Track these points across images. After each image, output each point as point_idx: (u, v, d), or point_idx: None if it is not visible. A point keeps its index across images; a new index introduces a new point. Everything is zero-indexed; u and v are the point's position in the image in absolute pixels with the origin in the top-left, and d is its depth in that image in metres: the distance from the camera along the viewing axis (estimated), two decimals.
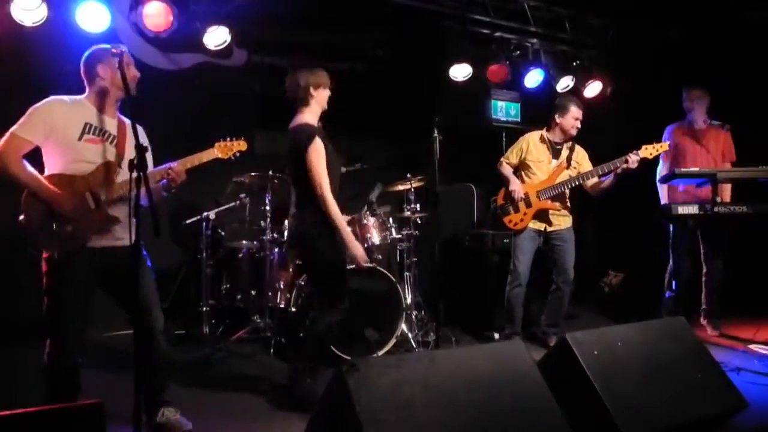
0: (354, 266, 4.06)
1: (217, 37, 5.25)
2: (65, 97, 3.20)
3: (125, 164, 3.15)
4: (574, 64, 6.85)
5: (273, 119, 6.50)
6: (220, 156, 3.49)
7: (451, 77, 6.48)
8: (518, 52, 6.74)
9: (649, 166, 5.41)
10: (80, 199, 3.08)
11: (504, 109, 7.25)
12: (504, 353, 2.90)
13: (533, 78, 6.70)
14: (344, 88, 6.64)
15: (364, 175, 5.63)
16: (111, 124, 3.25)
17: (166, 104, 5.58)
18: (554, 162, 5.09)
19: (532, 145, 5.13)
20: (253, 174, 5.20)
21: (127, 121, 3.32)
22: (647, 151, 4.79)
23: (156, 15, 4.84)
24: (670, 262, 5.56)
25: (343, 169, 5.59)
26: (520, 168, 5.18)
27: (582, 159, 5.13)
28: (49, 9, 4.47)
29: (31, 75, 4.83)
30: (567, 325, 5.06)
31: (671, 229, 5.37)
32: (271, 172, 5.14)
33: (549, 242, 5.13)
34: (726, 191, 5.47)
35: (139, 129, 3.22)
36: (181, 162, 3.31)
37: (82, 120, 3.15)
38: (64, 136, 3.09)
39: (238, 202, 5.47)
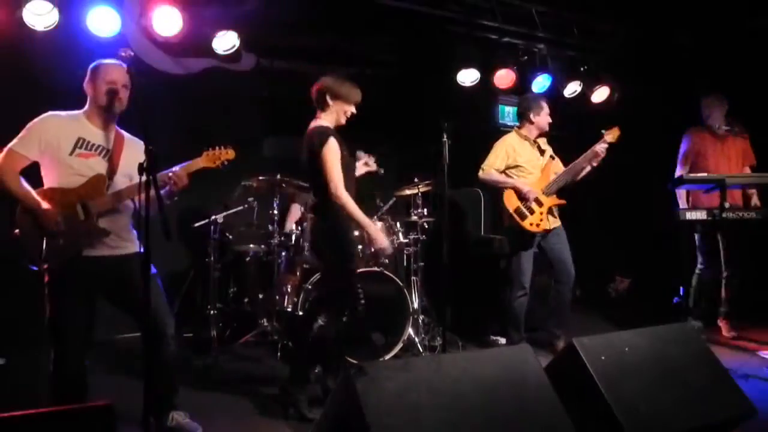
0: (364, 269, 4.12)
1: (226, 41, 5.29)
2: (62, 113, 3.28)
3: (118, 178, 3.30)
4: (582, 69, 6.84)
5: (281, 123, 6.56)
6: (207, 165, 3.48)
7: (459, 82, 6.49)
8: (525, 57, 6.73)
9: (660, 170, 5.39)
10: (70, 211, 3.16)
11: (511, 114, 7.25)
12: (511, 358, 2.90)
13: (540, 83, 6.70)
14: None
15: (371, 180, 5.64)
16: (105, 138, 3.31)
17: (175, 109, 5.62)
18: (542, 158, 5.11)
19: (517, 146, 5.10)
20: (261, 177, 5.21)
21: (127, 136, 3.41)
22: (611, 135, 4.86)
23: (166, 20, 4.88)
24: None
25: None
26: (508, 171, 5.09)
27: (550, 150, 5.21)
28: (61, 14, 4.51)
29: (41, 79, 4.86)
30: (573, 331, 5.04)
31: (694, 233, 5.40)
32: (279, 176, 5.14)
33: (545, 243, 5.10)
34: (753, 195, 5.48)
35: (139, 144, 3.25)
36: (183, 168, 3.35)
37: (75, 135, 3.22)
38: (57, 151, 3.18)
39: (246, 205, 5.48)
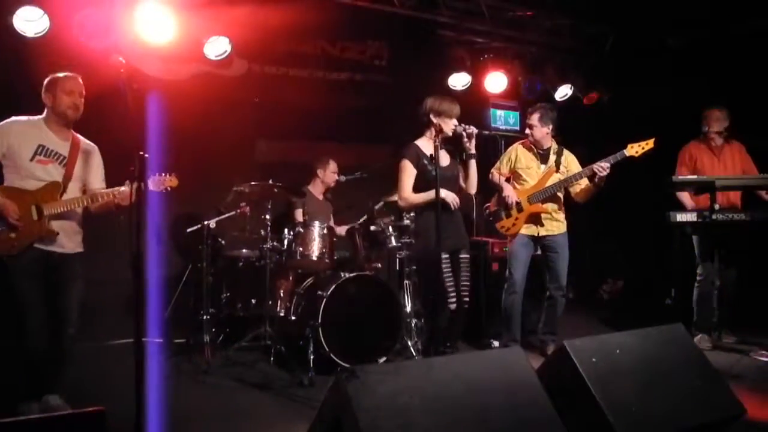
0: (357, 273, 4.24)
1: (217, 47, 5.30)
2: (22, 118, 3.60)
3: (72, 185, 3.67)
4: (573, 72, 6.88)
5: (273, 129, 6.58)
6: (154, 188, 3.86)
7: (450, 86, 6.51)
8: (516, 61, 6.77)
9: (652, 172, 5.41)
10: (25, 210, 3.47)
11: (503, 118, 7.29)
12: (503, 361, 2.91)
13: (532, 87, 6.73)
14: (343, 97, 6.73)
15: (363, 184, 5.66)
16: (63, 146, 3.64)
17: (166, 114, 5.61)
18: (543, 167, 5.11)
19: (520, 153, 5.18)
20: (253, 183, 5.20)
21: (83, 142, 3.76)
22: (633, 149, 4.81)
23: (157, 25, 4.88)
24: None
25: (343, 178, 5.68)
26: (512, 177, 5.21)
27: (570, 163, 5.15)
28: (51, 20, 4.51)
29: (31, 86, 4.84)
30: (565, 333, 5.06)
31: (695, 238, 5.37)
32: (271, 181, 5.14)
33: (543, 249, 5.14)
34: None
35: (93, 149, 3.83)
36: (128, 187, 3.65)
37: (36, 142, 3.54)
38: (18, 155, 3.51)
39: (238, 210, 5.47)
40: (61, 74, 3.62)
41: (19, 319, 3.48)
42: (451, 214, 4.21)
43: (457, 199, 4.12)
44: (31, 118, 3.61)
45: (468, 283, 4.35)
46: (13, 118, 3.56)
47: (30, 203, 3.49)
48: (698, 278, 5.41)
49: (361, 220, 5.17)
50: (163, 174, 3.91)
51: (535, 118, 5.09)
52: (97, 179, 3.82)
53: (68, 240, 3.65)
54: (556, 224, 5.09)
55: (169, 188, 3.94)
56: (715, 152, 5.44)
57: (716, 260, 5.40)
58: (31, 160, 3.52)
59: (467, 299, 4.33)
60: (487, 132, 4.15)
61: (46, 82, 3.62)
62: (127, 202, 3.61)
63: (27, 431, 2.01)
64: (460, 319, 4.40)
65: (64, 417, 2.11)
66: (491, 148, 5.41)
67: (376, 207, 5.35)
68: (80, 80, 3.64)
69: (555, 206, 5.08)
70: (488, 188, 5.28)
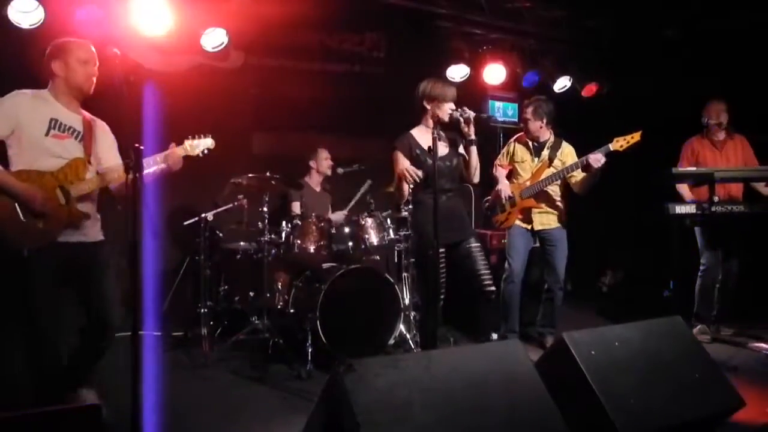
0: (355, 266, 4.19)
1: (214, 38, 5.27)
2: (27, 91, 3.21)
3: (94, 161, 3.31)
4: (572, 64, 6.86)
5: (270, 121, 6.56)
6: (189, 153, 3.53)
7: (449, 78, 6.48)
8: (515, 52, 6.75)
9: (650, 164, 5.40)
10: (51, 195, 3.11)
11: (502, 110, 7.27)
12: (501, 353, 2.90)
13: (530, 78, 6.71)
14: (341, 89, 6.70)
15: (361, 176, 5.64)
16: (75, 120, 3.28)
17: (163, 106, 5.58)
18: (536, 161, 5.11)
19: (516, 146, 5.22)
20: (250, 175, 5.17)
21: (92, 117, 3.40)
22: (618, 143, 4.76)
23: (154, 16, 4.84)
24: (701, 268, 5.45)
25: (341, 170, 5.66)
26: (511, 170, 5.24)
27: (567, 156, 5.10)
28: (46, 11, 4.48)
29: (27, 77, 4.81)
30: (564, 325, 5.05)
31: (698, 231, 5.35)
32: (268, 174, 5.12)
33: (541, 242, 5.16)
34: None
35: (104, 125, 3.42)
36: (178, 149, 3.45)
37: (47, 116, 3.17)
38: (30, 131, 3.12)
39: (236, 203, 5.46)
40: (72, 39, 3.25)
41: (31, 324, 3.16)
42: (450, 206, 4.11)
43: (414, 170, 3.91)
44: (36, 91, 3.24)
45: (488, 271, 4.16)
46: (17, 90, 3.19)
47: (54, 186, 3.11)
48: (701, 269, 5.40)
49: (360, 212, 5.14)
50: (198, 135, 3.56)
51: (528, 112, 5.11)
52: (115, 155, 3.41)
53: (92, 226, 3.31)
54: (551, 218, 5.07)
55: (206, 151, 3.57)
56: (717, 147, 5.42)
57: (719, 252, 5.40)
58: (47, 135, 3.13)
59: (492, 288, 4.13)
60: (484, 115, 3.97)
61: (53, 48, 3.25)
62: (179, 165, 3.38)
63: (21, 426, 2.00)
64: (489, 309, 4.40)
65: (59, 412, 2.09)
66: (491, 141, 5.39)
67: (372, 204, 5.33)
68: (93, 47, 3.25)
69: (550, 200, 5.06)
70: (486, 180, 5.27)
